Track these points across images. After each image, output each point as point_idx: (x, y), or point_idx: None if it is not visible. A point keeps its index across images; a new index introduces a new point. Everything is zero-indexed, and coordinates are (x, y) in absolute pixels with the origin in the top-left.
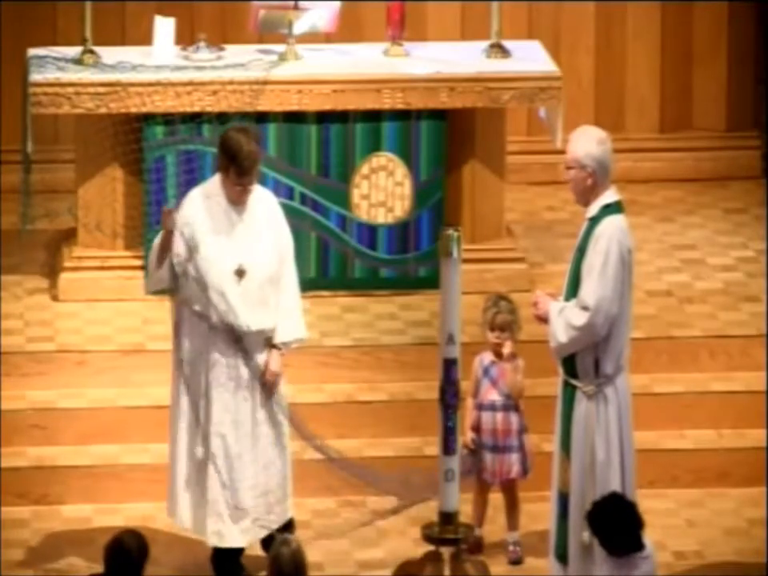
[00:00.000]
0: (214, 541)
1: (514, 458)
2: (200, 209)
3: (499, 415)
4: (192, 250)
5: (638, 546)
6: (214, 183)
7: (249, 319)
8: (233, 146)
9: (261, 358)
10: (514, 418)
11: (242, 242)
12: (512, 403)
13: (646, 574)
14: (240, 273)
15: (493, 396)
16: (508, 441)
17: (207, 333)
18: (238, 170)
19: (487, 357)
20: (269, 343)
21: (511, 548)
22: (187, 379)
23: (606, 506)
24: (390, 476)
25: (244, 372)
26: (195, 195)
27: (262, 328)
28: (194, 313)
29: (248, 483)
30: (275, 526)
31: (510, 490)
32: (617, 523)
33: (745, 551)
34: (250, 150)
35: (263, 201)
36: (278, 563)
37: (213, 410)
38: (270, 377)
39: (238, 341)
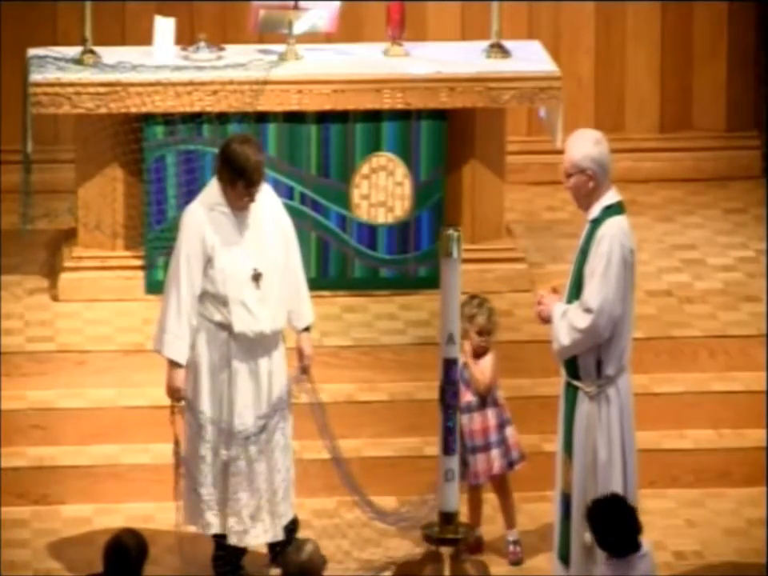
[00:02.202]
0: (234, 540)
1: (495, 453)
2: (205, 223)
3: (475, 415)
4: (206, 265)
5: (635, 547)
6: (212, 193)
7: (269, 323)
8: (240, 159)
9: (277, 355)
10: (490, 414)
11: (254, 246)
12: (488, 399)
13: (644, 574)
14: (257, 277)
15: (468, 397)
16: (486, 438)
17: (227, 340)
18: (247, 183)
19: (461, 359)
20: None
21: (511, 548)
22: (210, 389)
23: (605, 507)
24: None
25: (263, 374)
26: (196, 209)
27: (281, 327)
28: (212, 323)
29: (264, 484)
30: (283, 527)
31: (500, 486)
32: (614, 525)
33: (744, 551)
34: (257, 161)
35: (260, 193)
36: (286, 569)
37: (235, 414)
38: (309, 361)
39: (257, 344)
